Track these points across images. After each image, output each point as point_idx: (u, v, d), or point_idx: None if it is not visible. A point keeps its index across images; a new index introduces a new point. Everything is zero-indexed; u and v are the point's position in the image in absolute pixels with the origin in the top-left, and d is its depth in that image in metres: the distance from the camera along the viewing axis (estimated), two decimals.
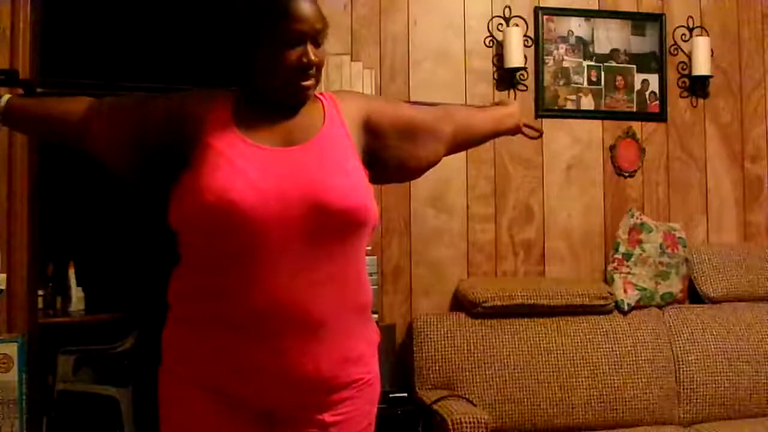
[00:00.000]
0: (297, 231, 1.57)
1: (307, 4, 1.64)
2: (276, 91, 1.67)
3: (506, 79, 3.62)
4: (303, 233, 1.57)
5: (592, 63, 3.69)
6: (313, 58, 1.63)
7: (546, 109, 3.65)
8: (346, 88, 3.37)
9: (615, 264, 3.52)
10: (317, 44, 1.65)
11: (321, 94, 1.77)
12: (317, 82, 1.70)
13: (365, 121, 1.75)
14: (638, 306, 3.43)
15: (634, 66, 3.73)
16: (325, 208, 1.58)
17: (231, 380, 1.63)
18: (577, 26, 3.69)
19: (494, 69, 3.63)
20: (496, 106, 2.11)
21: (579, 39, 3.69)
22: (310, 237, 1.58)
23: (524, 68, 3.61)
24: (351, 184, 1.63)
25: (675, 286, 3.51)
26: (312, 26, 1.63)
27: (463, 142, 1.98)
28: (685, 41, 3.78)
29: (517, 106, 2.10)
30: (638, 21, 3.75)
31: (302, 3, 1.63)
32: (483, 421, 2.79)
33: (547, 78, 3.65)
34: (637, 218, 3.56)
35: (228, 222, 1.55)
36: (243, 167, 1.57)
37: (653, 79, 3.75)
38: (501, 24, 3.62)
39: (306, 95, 1.68)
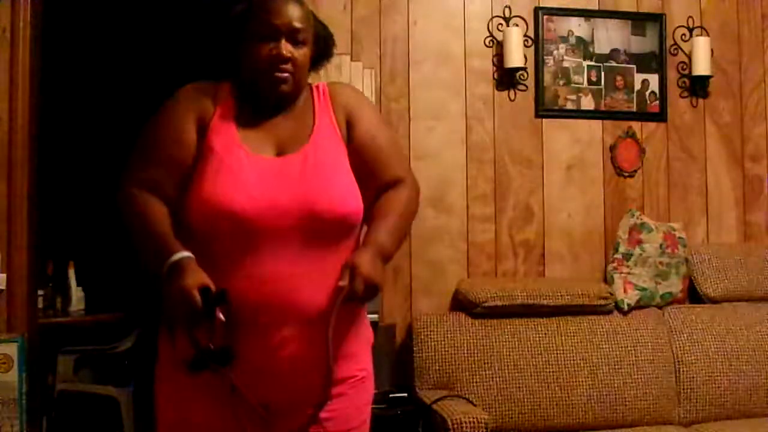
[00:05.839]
0: (292, 235, 1.63)
1: (288, 3, 1.69)
2: (256, 86, 1.71)
3: (506, 79, 3.62)
4: (297, 237, 1.63)
5: (592, 63, 3.69)
6: (284, 51, 1.67)
7: (546, 109, 3.65)
8: None
9: (615, 264, 3.51)
10: (296, 43, 1.69)
11: (315, 86, 1.80)
12: (296, 80, 1.72)
13: (347, 114, 1.77)
14: (638, 306, 3.43)
15: (634, 66, 3.73)
16: (319, 217, 1.63)
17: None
18: (577, 26, 3.69)
19: (494, 69, 3.63)
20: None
21: (579, 39, 3.68)
22: (304, 239, 1.64)
23: (524, 68, 3.61)
24: (342, 191, 1.68)
25: (675, 286, 3.51)
26: (288, 22, 1.68)
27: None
28: (685, 41, 3.78)
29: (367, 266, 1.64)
30: (638, 21, 3.74)
31: (282, 1, 1.69)
32: (483, 421, 2.79)
33: (547, 78, 3.65)
34: (637, 218, 3.56)
35: (227, 229, 1.61)
36: (243, 178, 1.63)
37: (653, 79, 3.75)
38: (501, 24, 3.61)
39: (281, 90, 1.71)
